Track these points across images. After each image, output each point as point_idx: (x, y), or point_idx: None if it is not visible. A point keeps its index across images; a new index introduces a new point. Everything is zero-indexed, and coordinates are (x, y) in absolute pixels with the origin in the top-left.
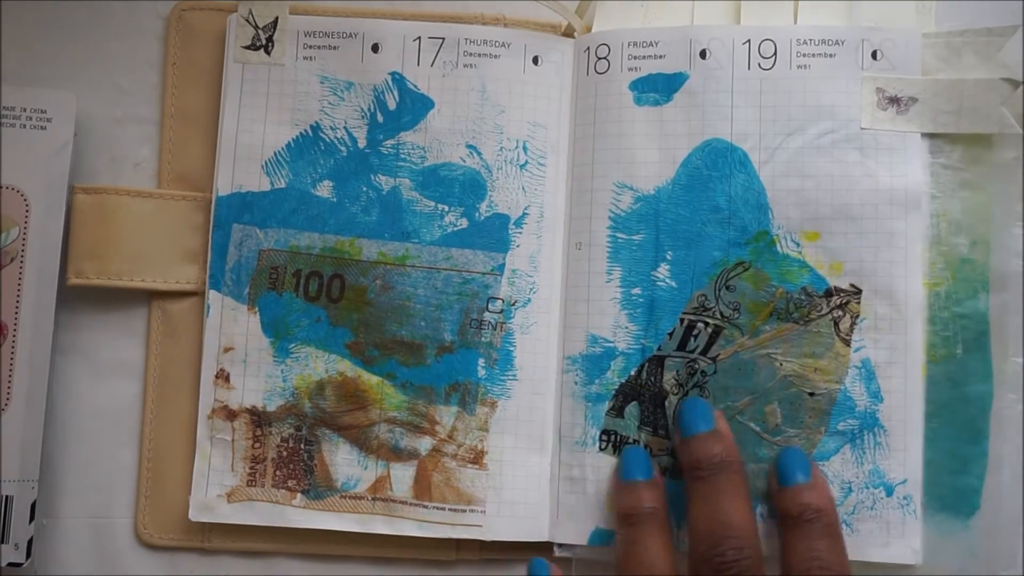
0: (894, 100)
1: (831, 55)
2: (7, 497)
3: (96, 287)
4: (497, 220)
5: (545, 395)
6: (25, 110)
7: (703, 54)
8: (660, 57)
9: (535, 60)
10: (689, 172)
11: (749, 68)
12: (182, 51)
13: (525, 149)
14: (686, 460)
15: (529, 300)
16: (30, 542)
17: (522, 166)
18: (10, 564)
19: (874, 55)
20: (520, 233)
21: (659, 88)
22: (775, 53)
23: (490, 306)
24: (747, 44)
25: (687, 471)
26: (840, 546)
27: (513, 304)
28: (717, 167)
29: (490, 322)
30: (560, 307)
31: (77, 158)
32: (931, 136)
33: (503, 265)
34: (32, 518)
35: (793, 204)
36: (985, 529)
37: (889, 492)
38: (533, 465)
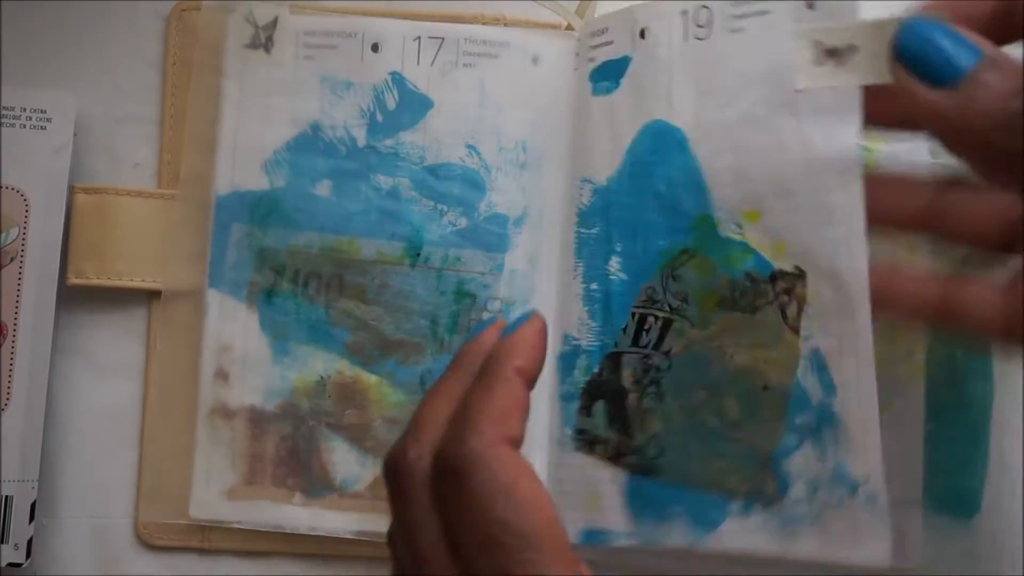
0: (832, 53)
1: (765, 12)
2: (7, 497)
3: (96, 287)
4: (496, 220)
5: (543, 396)
6: (25, 110)
7: (642, 33)
8: (609, 44)
9: (535, 60)
10: (633, 159)
11: (686, 40)
12: (182, 51)
13: (524, 149)
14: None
15: (528, 301)
16: (30, 542)
17: (522, 166)
18: (10, 564)
19: (811, 6)
20: (519, 233)
21: (609, 75)
22: (711, 21)
23: (488, 306)
24: (684, 16)
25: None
26: None
27: (512, 304)
28: (656, 151)
29: (489, 322)
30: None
31: (77, 158)
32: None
33: (502, 265)
34: (32, 518)
35: (730, 183)
36: (986, 530)
37: (853, 490)
38: (532, 465)
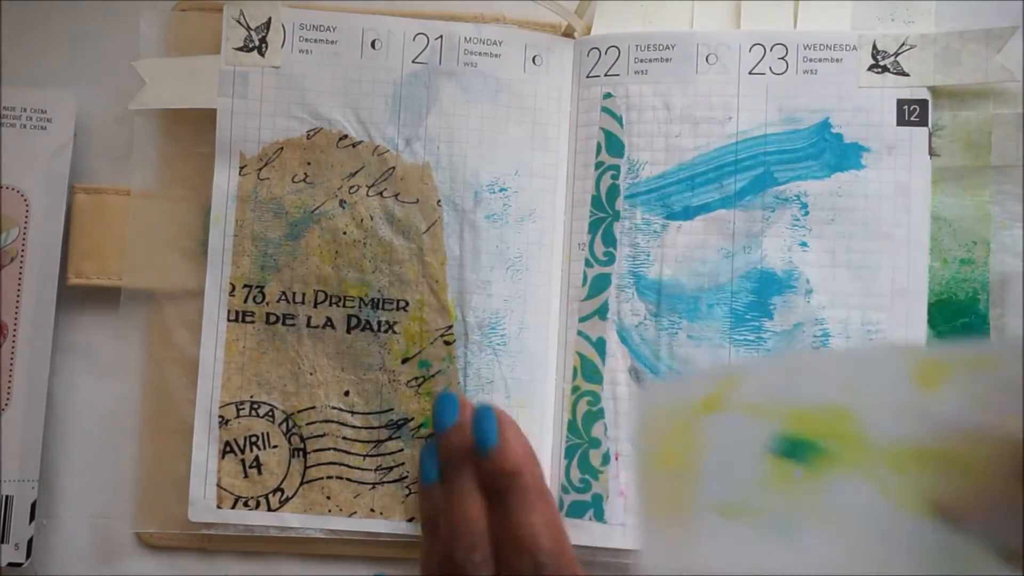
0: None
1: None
2: (7, 497)
3: (96, 287)
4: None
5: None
6: (25, 110)
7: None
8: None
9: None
10: None
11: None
12: (182, 51)
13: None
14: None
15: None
16: (30, 542)
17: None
18: (10, 564)
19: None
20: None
21: None
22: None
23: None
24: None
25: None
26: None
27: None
28: None
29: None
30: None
31: (77, 158)
32: (931, 135)
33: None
34: (32, 518)
35: None
36: None
37: None
38: None
